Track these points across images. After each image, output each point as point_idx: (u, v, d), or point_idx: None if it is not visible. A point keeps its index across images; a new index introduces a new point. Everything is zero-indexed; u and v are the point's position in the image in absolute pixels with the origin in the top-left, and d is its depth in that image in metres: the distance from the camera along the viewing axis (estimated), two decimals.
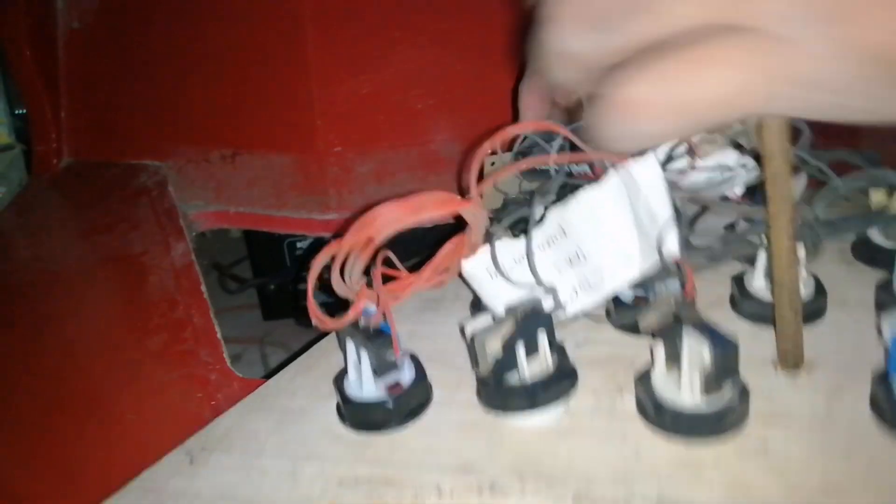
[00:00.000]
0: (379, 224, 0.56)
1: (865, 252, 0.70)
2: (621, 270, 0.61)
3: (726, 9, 0.34)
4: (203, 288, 0.84)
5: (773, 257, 0.53)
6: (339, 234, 0.56)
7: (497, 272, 0.62)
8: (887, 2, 0.31)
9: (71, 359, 0.77)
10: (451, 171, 0.98)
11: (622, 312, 0.63)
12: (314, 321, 0.59)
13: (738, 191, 0.70)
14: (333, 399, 0.60)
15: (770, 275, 0.62)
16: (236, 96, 1.04)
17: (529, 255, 0.60)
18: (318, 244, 1.10)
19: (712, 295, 0.67)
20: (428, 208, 0.57)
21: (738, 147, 0.70)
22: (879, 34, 0.31)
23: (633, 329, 0.63)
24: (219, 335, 0.77)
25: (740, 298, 0.64)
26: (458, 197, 0.59)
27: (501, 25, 0.95)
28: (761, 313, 0.62)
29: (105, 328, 0.82)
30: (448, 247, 0.62)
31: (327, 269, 0.58)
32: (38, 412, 0.71)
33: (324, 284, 0.58)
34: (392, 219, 0.56)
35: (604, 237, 0.60)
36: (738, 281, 0.65)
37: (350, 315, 0.58)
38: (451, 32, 1.00)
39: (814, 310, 0.61)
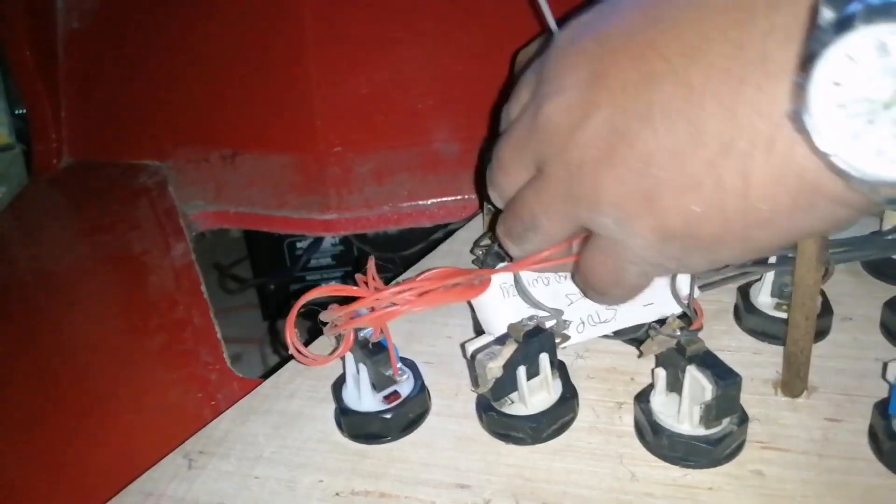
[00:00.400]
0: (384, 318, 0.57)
1: (875, 264, 0.69)
2: (638, 314, 0.61)
3: (581, 224, 0.49)
4: (203, 288, 0.84)
5: (797, 293, 0.53)
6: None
7: (515, 290, 0.61)
8: (667, 200, 0.42)
9: (71, 359, 0.77)
10: (451, 172, 0.98)
11: (627, 329, 0.63)
12: (293, 353, 0.59)
13: None
14: (331, 402, 0.60)
15: (778, 294, 0.62)
16: (236, 96, 1.03)
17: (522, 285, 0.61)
18: (318, 244, 1.10)
19: (716, 304, 0.67)
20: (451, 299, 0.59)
21: None
22: (669, 220, 0.43)
23: (636, 341, 0.63)
24: (219, 335, 0.76)
25: (744, 312, 0.64)
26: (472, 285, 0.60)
27: (501, 26, 0.95)
28: (765, 329, 0.62)
29: (105, 328, 0.82)
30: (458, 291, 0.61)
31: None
32: (37, 412, 0.71)
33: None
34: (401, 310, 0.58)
35: None
36: (744, 292, 0.65)
37: (338, 353, 0.58)
38: (451, 32, 0.99)
39: (819, 329, 0.61)
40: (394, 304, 0.57)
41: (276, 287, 1.18)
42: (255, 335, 1.16)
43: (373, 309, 0.57)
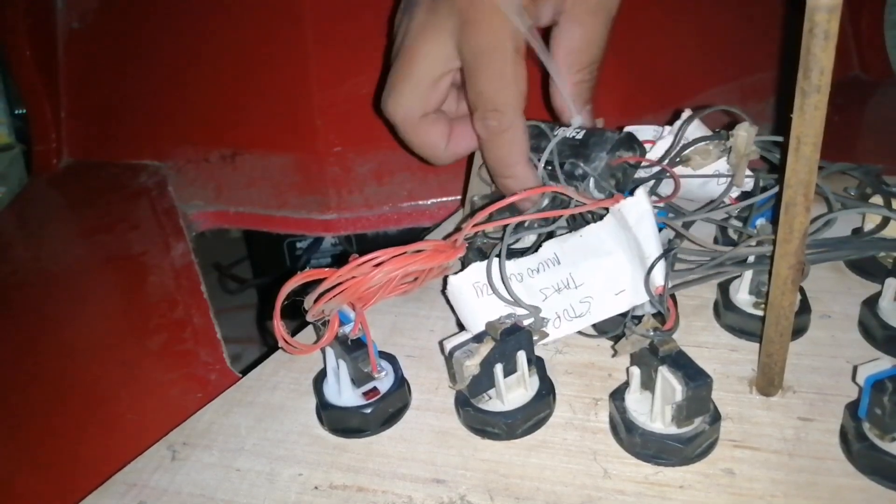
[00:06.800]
0: (365, 293, 0.58)
1: (856, 260, 0.68)
2: (611, 304, 0.61)
3: None
4: (203, 288, 0.84)
5: (771, 312, 0.52)
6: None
7: (489, 289, 0.61)
8: None
9: (70, 359, 0.77)
10: (450, 171, 0.98)
11: (608, 322, 0.63)
12: (280, 344, 0.60)
13: (733, 194, 0.70)
14: (313, 395, 0.61)
15: (756, 293, 0.62)
16: (236, 96, 1.04)
17: (503, 277, 0.61)
18: (318, 244, 1.10)
19: (696, 299, 0.67)
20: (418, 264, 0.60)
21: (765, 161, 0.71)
22: None
23: (616, 337, 0.62)
24: (219, 335, 0.77)
25: (723, 309, 0.63)
26: (448, 246, 0.61)
27: None
28: (742, 327, 0.62)
29: (105, 328, 0.82)
30: (422, 257, 0.61)
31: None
32: (37, 412, 0.71)
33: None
34: (379, 285, 0.59)
35: (599, 270, 0.61)
36: (724, 289, 0.65)
37: (323, 341, 0.59)
38: None
39: (797, 327, 0.60)
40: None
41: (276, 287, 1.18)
42: (255, 335, 1.16)
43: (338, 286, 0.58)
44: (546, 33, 0.75)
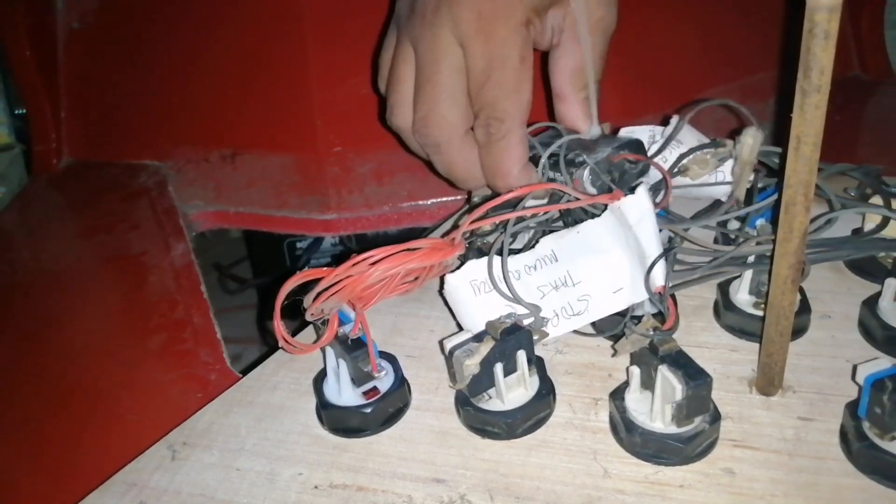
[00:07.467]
0: (364, 293, 0.58)
1: (856, 261, 0.68)
2: (609, 302, 0.61)
3: None
4: (203, 288, 0.84)
5: (771, 312, 0.52)
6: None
7: (487, 287, 0.61)
8: None
9: (71, 359, 0.77)
10: None
11: (606, 322, 0.63)
12: (281, 344, 0.60)
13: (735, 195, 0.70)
14: (313, 395, 0.61)
15: (756, 293, 0.62)
16: (236, 96, 1.04)
17: (505, 275, 0.61)
18: (318, 244, 1.10)
19: (696, 299, 0.67)
20: (415, 262, 0.60)
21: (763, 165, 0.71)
22: None
23: (615, 337, 0.62)
24: (219, 335, 0.77)
25: (723, 309, 0.63)
26: (446, 244, 0.61)
27: None
28: (742, 327, 0.62)
29: (105, 328, 0.82)
30: (419, 255, 0.61)
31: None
32: (37, 412, 0.71)
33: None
34: (380, 284, 0.59)
35: (597, 267, 0.61)
36: (724, 289, 0.65)
37: (322, 340, 0.59)
38: None
39: (797, 327, 0.60)
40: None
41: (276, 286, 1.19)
42: (255, 335, 1.16)
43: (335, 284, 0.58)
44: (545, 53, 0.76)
